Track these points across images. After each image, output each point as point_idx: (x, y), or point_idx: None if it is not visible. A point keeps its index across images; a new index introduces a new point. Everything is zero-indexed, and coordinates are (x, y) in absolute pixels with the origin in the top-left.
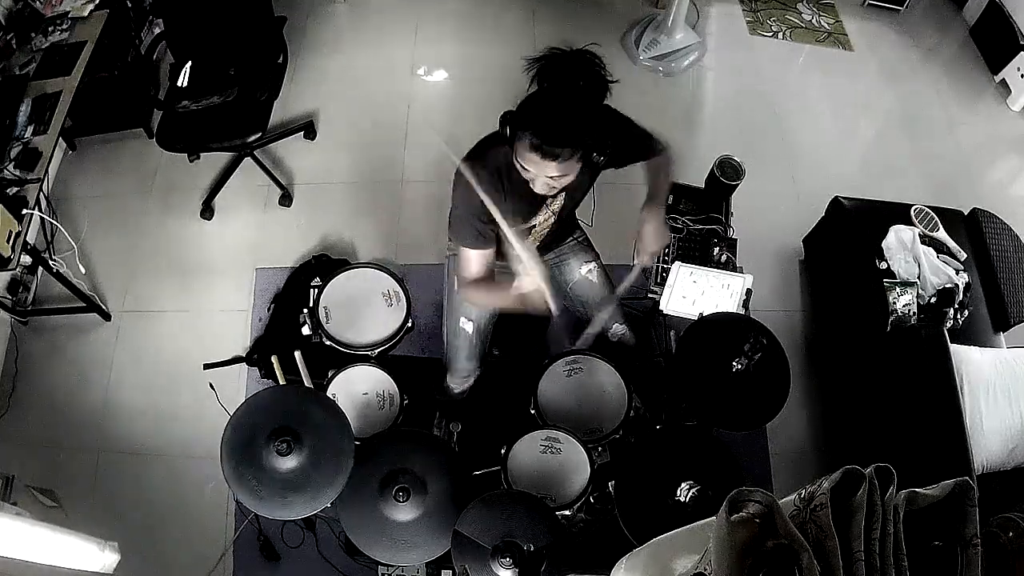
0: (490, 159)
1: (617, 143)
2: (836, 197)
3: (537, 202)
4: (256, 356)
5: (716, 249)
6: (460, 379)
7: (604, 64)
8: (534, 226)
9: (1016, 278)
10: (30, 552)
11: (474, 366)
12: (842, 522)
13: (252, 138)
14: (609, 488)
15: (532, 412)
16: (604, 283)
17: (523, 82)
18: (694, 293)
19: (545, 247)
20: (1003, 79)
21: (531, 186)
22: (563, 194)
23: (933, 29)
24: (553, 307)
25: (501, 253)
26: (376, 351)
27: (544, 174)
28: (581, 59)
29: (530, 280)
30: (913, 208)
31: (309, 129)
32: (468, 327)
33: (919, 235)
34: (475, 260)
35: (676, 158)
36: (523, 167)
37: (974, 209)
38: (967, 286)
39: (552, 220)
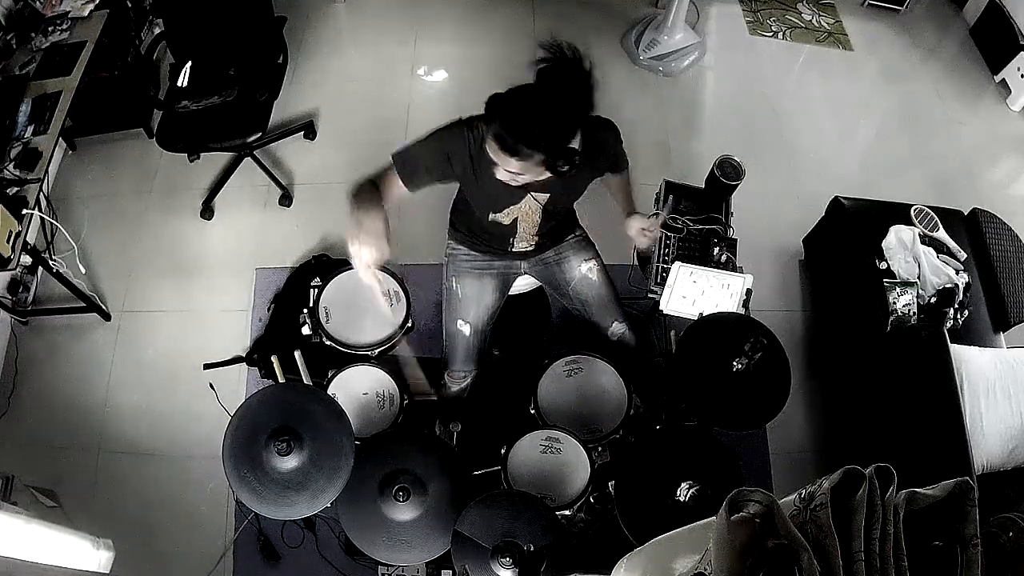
0: (481, 131)
1: (600, 153)
2: (836, 197)
3: (515, 193)
4: (256, 356)
5: (716, 249)
6: (457, 379)
7: (596, 86)
8: (516, 219)
9: (1016, 278)
10: (25, 550)
11: (471, 367)
12: (842, 522)
13: (252, 138)
14: (609, 488)
15: (532, 412)
16: (604, 281)
17: (524, 82)
18: (694, 293)
19: (543, 245)
20: (1003, 79)
21: (495, 172)
22: (547, 193)
23: (933, 29)
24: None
25: (486, 247)
26: (376, 351)
27: (503, 166)
28: (581, 72)
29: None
30: (913, 208)
31: (309, 129)
32: (465, 329)
33: (919, 235)
34: (391, 182)
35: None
36: (489, 157)
37: (974, 209)
38: (967, 286)
39: (538, 215)
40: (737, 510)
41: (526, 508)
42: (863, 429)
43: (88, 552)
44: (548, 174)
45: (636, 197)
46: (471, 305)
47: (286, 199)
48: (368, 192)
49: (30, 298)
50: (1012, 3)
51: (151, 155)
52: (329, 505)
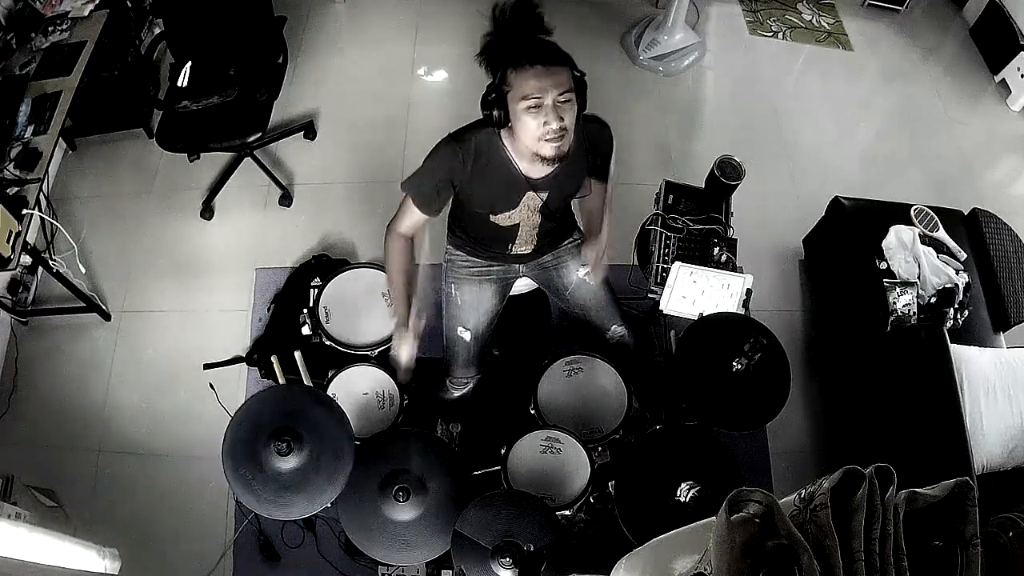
0: (471, 140)
1: (595, 146)
2: (836, 197)
3: (516, 191)
4: (256, 356)
5: (716, 249)
6: (459, 384)
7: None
8: (518, 224)
9: (1016, 278)
10: (31, 556)
11: (472, 372)
12: (842, 522)
13: (252, 138)
14: (609, 488)
15: (532, 412)
16: (602, 284)
17: None
18: (694, 293)
19: (542, 248)
20: (1003, 79)
21: (534, 137)
22: (546, 191)
23: (933, 29)
24: (401, 375)
25: (485, 251)
26: (376, 351)
27: (535, 91)
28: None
29: (401, 347)
30: (913, 208)
31: (309, 129)
32: (466, 335)
33: (919, 235)
34: (409, 214)
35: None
36: (526, 101)
37: (974, 209)
38: (967, 286)
39: (537, 215)
40: (737, 510)
41: (526, 508)
42: (863, 429)
43: (93, 561)
44: (575, 94)
45: (612, 220)
46: (470, 311)
47: (286, 199)
48: (395, 262)
49: (30, 298)
50: (1012, 3)
51: (151, 155)
52: (329, 505)
